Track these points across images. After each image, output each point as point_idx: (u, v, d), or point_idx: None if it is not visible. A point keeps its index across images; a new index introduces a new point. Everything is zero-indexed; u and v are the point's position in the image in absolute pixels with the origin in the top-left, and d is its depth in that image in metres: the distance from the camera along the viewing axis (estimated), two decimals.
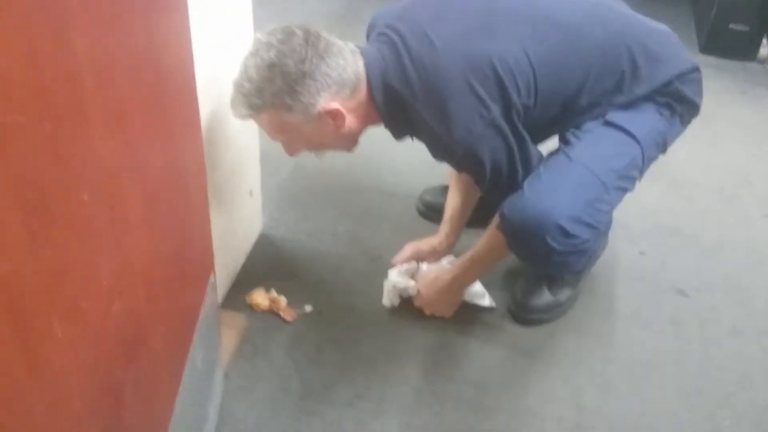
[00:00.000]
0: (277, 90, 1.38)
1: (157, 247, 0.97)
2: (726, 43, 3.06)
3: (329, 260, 1.91)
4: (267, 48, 1.38)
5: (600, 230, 1.57)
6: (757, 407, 1.63)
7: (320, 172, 2.23)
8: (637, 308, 1.86)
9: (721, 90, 2.86)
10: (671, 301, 1.89)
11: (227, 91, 1.42)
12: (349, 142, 1.57)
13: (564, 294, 1.81)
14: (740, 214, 2.23)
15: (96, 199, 0.73)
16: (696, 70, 1.62)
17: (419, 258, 1.83)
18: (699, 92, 1.63)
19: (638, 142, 1.57)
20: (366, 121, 1.53)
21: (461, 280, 1.74)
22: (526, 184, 1.53)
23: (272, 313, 1.75)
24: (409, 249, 1.84)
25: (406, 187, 2.17)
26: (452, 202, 1.87)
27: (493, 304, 1.80)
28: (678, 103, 1.59)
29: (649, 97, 1.58)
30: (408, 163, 2.25)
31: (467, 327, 1.77)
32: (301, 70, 1.38)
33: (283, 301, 1.77)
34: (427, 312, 1.77)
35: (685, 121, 1.65)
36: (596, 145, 1.56)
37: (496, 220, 1.64)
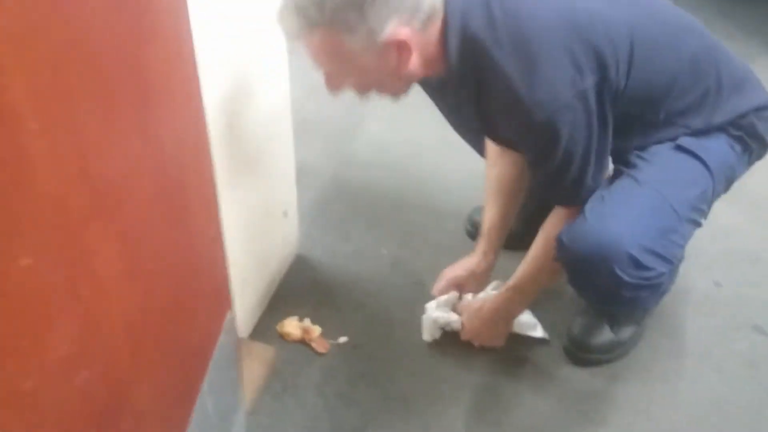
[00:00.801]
0: (342, 3, 1.15)
1: (146, 295, 0.85)
2: None
3: (368, 286, 1.77)
4: None
5: (674, 265, 1.41)
6: None
7: (363, 186, 2.10)
8: (709, 347, 1.67)
9: None
10: (747, 340, 1.69)
11: (254, 91, 1.28)
12: (404, 86, 1.33)
13: (627, 332, 1.63)
14: None
15: (43, 260, 0.61)
16: None
17: (458, 284, 1.67)
18: None
19: (711, 173, 1.40)
20: (428, 68, 1.28)
21: (505, 311, 1.58)
22: (587, 209, 1.36)
23: (304, 343, 1.63)
24: (446, 276, 1.68)
25: (455, 205, 2.01)
26: (489, 214, 1.67)
27: (546, 336, 1.64)
28: (751, 138, 1.45)
29: (722, 128, 1.42)
30: (458, 180, 2.10)
31: (517, 367, 1.61)
32: None
33: (316, 330, 1.64)
34: (476, 344, 1.62)
35: (753, 160, 1.50)
36: (668, 169, 1.39)
37: (544, 242, 1.48)
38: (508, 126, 1.35)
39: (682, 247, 1.42)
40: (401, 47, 1.22)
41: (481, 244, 1.68)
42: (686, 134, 1.41)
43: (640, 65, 1.32)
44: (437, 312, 1.61)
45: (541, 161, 1.36)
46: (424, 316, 1.63)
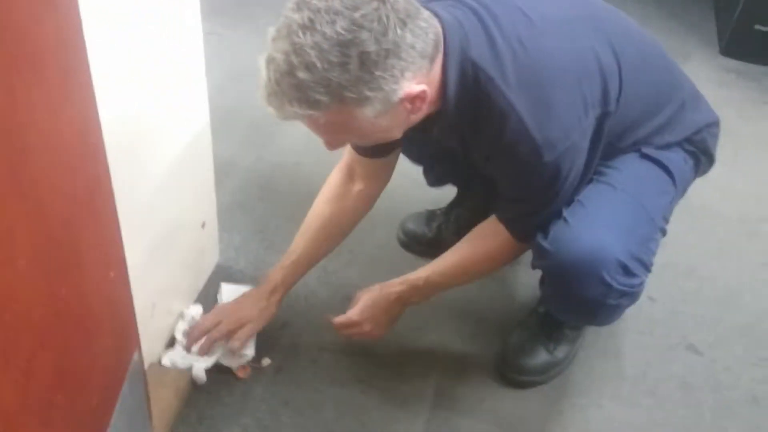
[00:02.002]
0: (352, 79, 1.01)
1: (25, 377, 0.72)
2: (750, 45, 2.76)
3: (294, 302, 1.65)
4: (330, 16, 0.99)
5: (650, 273, 1.36)
6: None
7: (289, 183, 1.98)
8: (644, 369, 1.63)
9: (744, 100, 2.57)
10: (682, 360, 1.66)
11: (161, 92, 1.14)
12: (405, 128, 1.20)
13: (562, 351, 1.58)
14: (765, 252, 1.97)
15: None
16: (718, 124, 1.48)
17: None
18: (716, 146, 1.50)
19: (674, 182, 1.39)
20: (430, 106, 1.16)
21: (406, 300, 1.48)
22: (567, 214, 1.29)
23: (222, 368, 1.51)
24: (216, 333, 1.46)
25: (385, 212, 1.89)
26: (306, 248, 1.52)
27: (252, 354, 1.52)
28: (702, 153, 1.45)
29: (679, 143, 1.40)
30: (390, 183, 1.99)
31: (450, 390, 1.53)
32: (384, 48, 1.01)
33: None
34: (355, 335, 1.50)
35: (698, 175, 1.50)
36: (640, 177, 1.36)
37: (473, 249, 1.42)
38: (503, 164, 1.26)
39: (654, 254, 1.37)
40: (418, 97, 1.10)
41: (276, 280, 1.50)
42: (649, 147, 1.38)
43: (625, 94, 1.27)
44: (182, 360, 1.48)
45: (526, 199, 1.30)
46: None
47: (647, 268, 1.33)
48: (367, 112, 1.07)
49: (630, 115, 1.32)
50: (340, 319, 1.50)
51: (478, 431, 1.47)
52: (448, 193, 1.83)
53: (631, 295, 1.34)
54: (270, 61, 1.04)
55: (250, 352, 1.50)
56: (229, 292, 1.57)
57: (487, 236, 1.41)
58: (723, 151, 1.81)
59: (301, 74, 1.01)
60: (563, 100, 1.18)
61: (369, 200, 1.55)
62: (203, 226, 1.58)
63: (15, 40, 0.63)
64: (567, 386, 1.57)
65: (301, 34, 1.00)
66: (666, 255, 1.85)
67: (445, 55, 1.13)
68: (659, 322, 1.73)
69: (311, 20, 0.99)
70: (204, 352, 1.46)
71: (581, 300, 1.33)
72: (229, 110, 2.05)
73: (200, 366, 1.45)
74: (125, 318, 1.06)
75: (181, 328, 1.51)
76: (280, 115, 1.08)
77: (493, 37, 1.16)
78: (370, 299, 1.48)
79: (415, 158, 1.65)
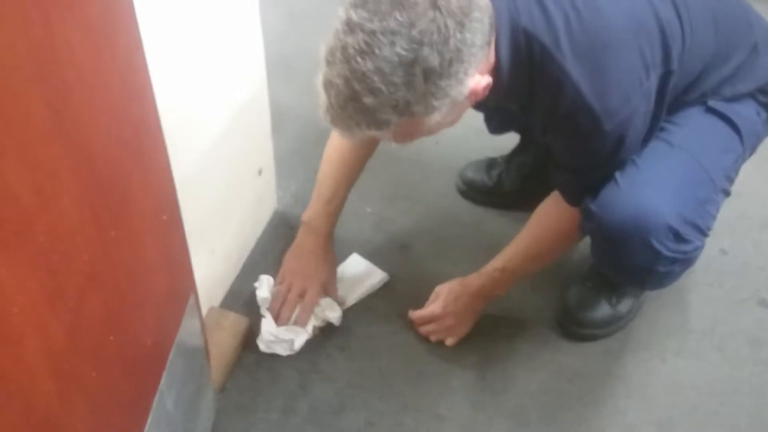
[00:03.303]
0: (418, 95, 0.98)
1: (76, 314, 0.73)
2: None
3: (350, 249, 1.64)
4: (388, 38, 0.95)
5: (707, 237, 1.29)
6: None
7: None
8: (712, 323, 1.56)
9: None
10: (752, 315, 1.58)
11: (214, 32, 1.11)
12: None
13: (625, 305, 1.53)
14: None
15: None
16: None
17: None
18: None
19: (742, 138, 1.30)
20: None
21: (488, 294, 1.46)
22: (619, 175, 1.23)
23: None
24: (308, 301, 1.47)
25: (445, 159, 1.87)
26: (344, 186, 1.51)
27: (385, 277, 1.55)
28: None
29: (751, 94, 1.30)
30: (448, 129, 1.94)
31: (507, 342, 1.51)
32: (447, 58, 0.97)
33: None
34: (433, 338, 1.48)
35: None
36: (701, 133, 1.28)
37: (542, 228, 1.38)
38: (562, 135, 1.21)
39: (715, 218, 1.30)
40: (485, 87, 1.07)
41: (326, 228, 1.51)
42: (717, 99, 1.29)
43: (688, 48, 1.19)
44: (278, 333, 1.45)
45: (587, 167, 1.25)
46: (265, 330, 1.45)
47: (703, 232, 1.26)
48: (435, 118, 1.04)
49: (695, 67, 1.24)
50: (421, 312, 1.48)
51: (536, 382, 1.44)
52: (510, 140, 1.77)
53: (683, 262, 1.27)
54: (329, 85, 1.00)
55: (337, 311, 1.49)
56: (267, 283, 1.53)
57: (552, 214, 1.37)
58: None
59: (367, 99, 0.98)
60: (622, 64, 1.11)
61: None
62: (260, 173, 1.57)
63: None
64: (629, 339, 1.52)
65: (359, 59, 0.96)
66: (739, 206, 1.77)
67: (497, 30, 1.08)
68: (730, 275, 1.66)
69: (368, 44, 0.95)
70: (304, 323, 1.45)
71: (629, 266, 1.28)
72: (287, 56, 2.03)
73: (302, 339, 1.44)
74: (179, 262, 1.06)
75: (262, 301, 1.49)
76: (347, 136, 1.06)
77: (545, 5, 1.10)
78: (452, 293, 1.46)
79: (476, 105, 1.60)
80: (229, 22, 1.29)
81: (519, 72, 1.12)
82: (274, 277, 1.52)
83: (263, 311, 1.47)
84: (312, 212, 1.51)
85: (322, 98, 1.03)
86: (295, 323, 1.45)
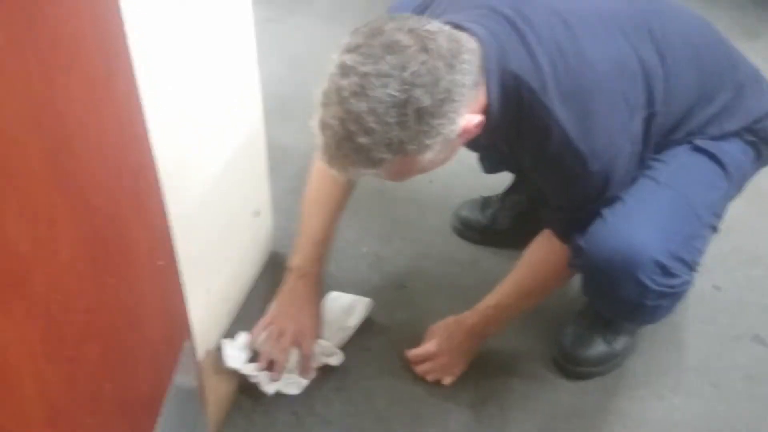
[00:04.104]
0: (411, 134, 1.01)
1: (71, 364, 0.74)
2: None
3: (345, 289, 1.64)
4: (380, 80, 0.98)
5: (695, 272, 1.31)
6: None
7: None
8: (707, 359, 1.57)
9: None
10: (747, 351, 1.59)
11: (212, 72, 1.12)
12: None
13: (620, 342, 1.53)
14: None
15: None
16: None
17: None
18: None
19: (728, 175, 1.32)
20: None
21: (481, 332, 1.47)
22: (607, 211, 1.25)
23: None
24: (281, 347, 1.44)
25: (440, 198, 1.89)
26: (328, 225, 1.50)
27: (370, 303, 1.55)
28: (764, 144, 1.36)
29: (737, 133, 1.33)
30: (443, 168, 1.96)
31: (504, 382, 1.51)
32: (438, 98, 1.01)
33: None
34: (430, 378, 1.48)
35: (760, 166, 1.42)
36: (687, 170, 1.30)
37: (532, 265, 1.39)
38: (551, 174, 1.25)
39: (702, 253, 1.32)
40: (476, 125, 1.11)
41: (317, 272, 1.50)
42: (703, 137, 1.32)
43: (672, 90, 1.23)
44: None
45: (574, 205, 1.27)
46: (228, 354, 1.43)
47: (691, 267, 1.27)
48: (428, 156, 1.07)
49: (679, 108, 1.27)
50: (416, 351, 1.49)
51: (534, 421, 1.44)
52: (503, 179, 1.79)
53: (672, 296, 1.29)
54: (325, 127, 1.03)
55: (337, 353, 1.49)
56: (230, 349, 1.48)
57: (543, 251, 1.39)
58: None
59: (361, 139, 1.01)
60: (606, 107, 1.15)
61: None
62: (257, 214, 1.59)
63: (53, 30, 0.63)
64: (626, 377, 1.53)
65: (353, 101, 0.99)
66: (731, 242, 1.79)
67: (486, 72, 1.11)
68: (724, 312, 1.66)
69: (362, 86, 0.99)
70: (309, 373, 1.45)
71: (618, 301, 1.29)
72: (286, 97, 2.06)
73: (291, 388, 1.44)
74: (175, 306, 1.07)
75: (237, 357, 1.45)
76: (345, 176, 1.11)
77: (531, 47, 1.14)
78: (446, 331, 1.47)
79: (470, 145, 1.62)
80: (226, 66, 1.31)
81: (508, 113, 1.15)
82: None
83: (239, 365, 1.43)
84: (301, 257, 1.50)
85: (319, 139, 1.06)
86: (300, 374, 1.44)
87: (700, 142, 1.31)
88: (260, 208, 1.60)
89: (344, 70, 1.01)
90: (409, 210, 1.88)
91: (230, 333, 1.53)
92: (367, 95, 0.99)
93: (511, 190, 1.80)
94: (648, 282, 1.22)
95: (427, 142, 1.04)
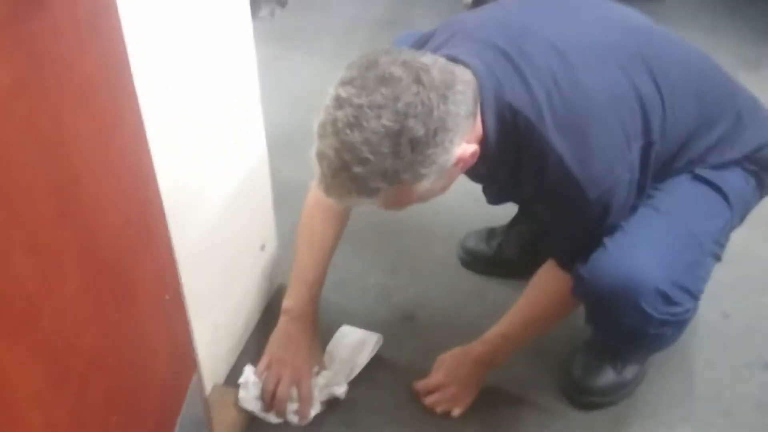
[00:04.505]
0: (406, 163, 1.03)
1: (77, 400, 0.74)
2: None
3: (352, 321, 1.65)
4: (374, 111, 1.00)
5: (699, 300, 1.31)
6: None
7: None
8: (718, 388, 1.55)
9: None
10: (758, 379, 1.57)
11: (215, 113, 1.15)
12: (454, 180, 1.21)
13: (630, 371, 1.52)
14: None
15: None
16: None
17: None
18: None
19: (730, 204, 1.32)
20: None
21: (489, 362, 1.46)
22: (608, 240, 1.25)
23: None
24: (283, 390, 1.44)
25: (446, 229, 1.89)
26: (322, 269, 1.50)
27: (380, 338, 1.54)
28: (765, 173, 1.36)
29: (738, 162, 1.33)
30: (449, 199, 1.97)
31: (514, 412, 1.50)
32: (432, 128, 1.02)
33: None
34: (438, 409, 1.47)
35: (763, 195, 1.42)
36: (689, 199, 1.30)
37: (537, 294, 1.40)
38: (550, 203, 1.25)
39: (705, 281, 1.32)
40: (471, 155, 1.12)
41: (312, 312, 1.49)
42: (703, 167, 1.32)
43: (670, 120, 1.23)
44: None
45: (575, 234, 1.28)
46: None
47: (694, 295, 1.28)
48: (425, 185, 1.08)
49: (678, 137, 1.28)
50: (424, 382, 1.49)
51: None
52: (509, 210, 1.80)
53: (675, 324, 1.29)
54: (322, 157, 1.05)
55: (342, 386, 1.49)
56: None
57: (548, 280, 1.39)
58: None
59: (356, 169, 1.02)
60: (603, 136, 1.16)
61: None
62: (263, 248, 1.60)
63: (60, 71, 0.65)
64: (636, 406, 1.51)
65: (348, 131, 1.01)
66: (741, 269, 1.78)
67: (482, 104, 1.13)
68: (734, 339, 1.65)
69: (356, 117, 1.01)
70: (306, 416, 1.44)
71: (621, 329, 1.29)
72: (290, 133, 2.07)
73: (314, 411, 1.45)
74: (182, 341, 1.08)
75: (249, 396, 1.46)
76: (342, 204, 1.13)
77: (527, 79, 1.15)
78: (455, 362, 1.47)
79: (474, 178, 1.63)
80: (230, 103, 1.33)
81: (506, 143, 1.17)
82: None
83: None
84: (294, 299, 1.49)
85: (316, 169, 1.08)
86: (299, 420, 1.44)
87: (700, 171, 1.31)
88: (266, 242, 1.61)
89: (339, 102, 1.03)
90: (415, 241, 1.88)
91: (237, 366, 1.54)
92: (361, 126, 1.00)
93: (516, 221, 1.80)
94: (650, 310, 1.22)
95: (422, 171, 1.05)
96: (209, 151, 1.27)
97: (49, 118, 0.64)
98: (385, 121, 1.00)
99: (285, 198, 1.75)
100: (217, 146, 1.30)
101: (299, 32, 2.81)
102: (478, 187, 1.68)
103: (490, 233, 1.82)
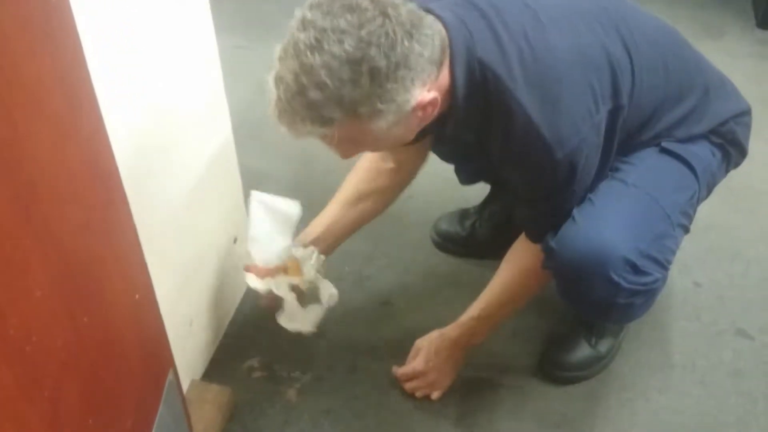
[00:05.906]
0: (364, 94, 1.02)
1: (51, 414, 0.73)
2: None
3: (330, 310, 1.64)
4: (337, 35, 0.99)
5: (668, 270, 1.33)
6: None
7: (322, 193, 1.97)
8: (692, 357, 1.58)
9: None
10: (731, 346, 1.60)
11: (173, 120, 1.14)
12: (417, 131, 1.19)
13: (605, 344, 1.54)
14: None
15: None
16: (749, 113, 1.43)
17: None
18: (748, 138, 1.45)
19: (697, 176, 1.34)
20: (442, 105, 1.15)
21: (466, 344, 1.47)
22: (576, 213, 1.27)
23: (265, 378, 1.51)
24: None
25: (419, 213, 1.90)
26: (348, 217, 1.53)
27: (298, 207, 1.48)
28: (731, 146, 1.39)
29: (704, 135, 1.35)
30: (422, 183, 1.97)
31: (491, 392, 1.51)
32: (393, 61, 1.01)
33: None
34: (419, 394, 1.48)
35: (730, 168, 1.44)
36: (656, 172, 1.32)
37: (512, 271, 1.40)
38: (517, 164, 1.25)
39: (674, 252, 1.34)
40: (430, 104, 1.10)
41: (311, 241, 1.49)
42: (670, 140, 1.34)
43: (639, 87, 1.24)
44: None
45: (541, 198, 1.28)
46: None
47: (662, 265, 1.29)
48: (381, 124, 1.07)
49: (646, 108, 1.29)
50: (404, 369, 1.50)
51: (526, 428, 1.44)
52: (482, 191, 1.80)
53: (644, 293, 1.31)
54: (279, 80, 1.04)
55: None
56: (260, 202, 1.46)
57: (518, 255, 1.41)
58: (765, 128, 1.75)
59: (313, 94, 1.01)
60: (571, 96, 1.16)
61: (403, 179, 1.55)
62: (235, 241, 1.58)
63: (12, 74, 0.63)
64: (612, 379, 1.54)
65: (309, 54, 1.00)
66: (710, 239, 1.81)
67: (452, 56, 1.12)
68: (706, 308, 1.68)
69: (318, 40, 1.00)
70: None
71: (591, 300, 1.31)
72: (258, 123, 2.05)
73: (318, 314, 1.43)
74: (156, 339, 1.06)
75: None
76: (293, 133, 1.08)
77: (499, 34, 1.15)
78: (432, 347, 1.48)
79: (446, 157, 1.63)
80: (192, 92, 1.32)
81: (474, 99, 1.16)
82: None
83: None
84: (303, 234, 1.50)
85: (272, 95, 1.06)
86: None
87: (667, 144, 1.33)
88: (237, 234, 1.60)
89: (303, 24, 1.02)
90: (389, 227, 1.88)
91: (215, 361, 1.53)
92: (322, 49, 0.99)
93: (488, 201, 1.81)
94: (619, 280, 1.24)
95: (380, 106, 1.04)
96: (173, 143, 1.26)
97: (5, 123, 0.62)
98: (347, 47, 0.99)
99: (254, 188, 1.74)
100: (181, 139, 1.29)
101: (262, 20, 2.78)
102: (450, 169, 1.68)
103: (463, 214, 1.82)
